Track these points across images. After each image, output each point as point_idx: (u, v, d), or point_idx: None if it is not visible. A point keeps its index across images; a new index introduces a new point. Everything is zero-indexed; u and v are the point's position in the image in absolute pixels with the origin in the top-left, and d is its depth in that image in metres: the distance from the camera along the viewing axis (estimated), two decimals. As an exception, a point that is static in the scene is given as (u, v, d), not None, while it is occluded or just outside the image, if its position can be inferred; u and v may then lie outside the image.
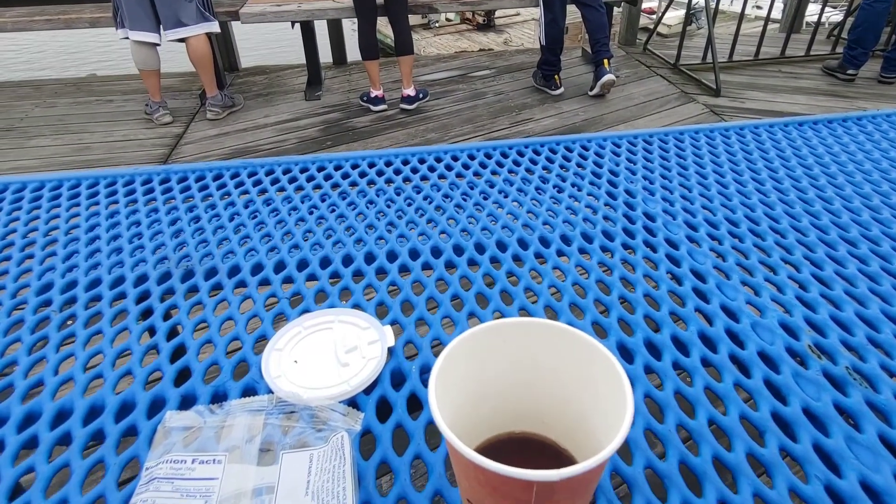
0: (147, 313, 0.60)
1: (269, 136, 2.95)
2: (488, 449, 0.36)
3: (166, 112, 3.03)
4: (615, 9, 3.71)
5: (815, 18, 4.02)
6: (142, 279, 0.64)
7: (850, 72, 3.42)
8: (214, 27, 2.94)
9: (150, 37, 2.79)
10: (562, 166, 0.88)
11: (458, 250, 0.69)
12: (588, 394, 0.34)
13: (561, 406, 0.36)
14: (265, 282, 0.64)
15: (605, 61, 3.13)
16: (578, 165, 0.88)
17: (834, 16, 4.81)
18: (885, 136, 0.94)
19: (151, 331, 0.57)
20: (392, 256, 0.68)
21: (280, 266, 0.66)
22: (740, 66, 3.71)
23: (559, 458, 0.36)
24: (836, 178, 0.83)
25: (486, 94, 3.40)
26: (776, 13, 4.07)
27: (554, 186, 0.83)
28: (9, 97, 3.38)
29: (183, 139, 2.91)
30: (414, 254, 0.69)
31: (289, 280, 0.64)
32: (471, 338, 0.34)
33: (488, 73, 3.75)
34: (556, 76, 3.30)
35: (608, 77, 3.12)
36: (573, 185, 0.83)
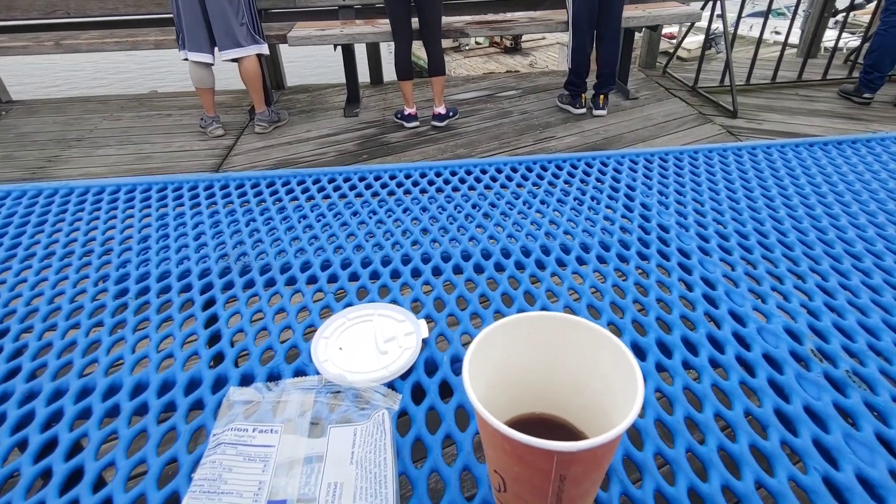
0: (210, 303, 0.64)
1: (310, 149, 3.03)
2: (512, 426, 0.39)
3: (219, 126, 3.15)
4: (636, 33, 3.71)
5: (832, 44, 3.94)
6: (205, 273, 0.69)
7: (865, 95, 3.35)
8: (264, 49, 3.04)
9: (206, 57, 2.91)
10: (582, 181, 0.90)
11: (486, 255, 0.72)
12: (602, 381, 0.36)
13: (578, 391, 0.38)
14: (313, 278, 0.68)
15: (602, 97, 3.27)
16: (598, 180, 0.90)
17: (851, 41, 4.71)
18: (893, 158, 0.93)
19: (214, 318, 0.62)
20: (426, 259, 0.71)
21: (326, 265, 0.70)
22: (757, 88, 3.66)
23: (574, 437, 0.38)
24: (843, 195, 0.83)
25: (512, 113, 3.43)
26: (794, 38, 4.00)
27: (574, 199, 0.85)
28: (80, 111, 3.55)
29: (233, 150, 3.01)
30: (446, 257, 0.71)
31: (334, 277, 0.68)
32: (500, 328, 0.37)
33: (514, 94, 3.78)
34: (582, 95, 3.32)
35: (599, 113, 3.30)
36: (592, 198, 0.85)
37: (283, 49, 3.67)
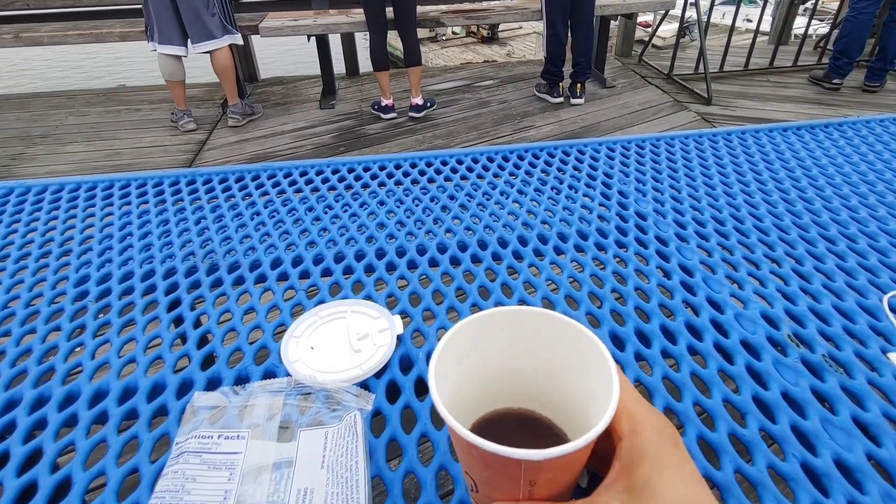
0: (175, 304, 0.61)
1: (286, 142, 2.98)
2: (487, 422, 0.37)
3: (190, 120, 3.07)
4: (612, 22, 3.71)
5: (802, 31, 4.00)
6: (170, 272, 0.66)
7: (835, 81, 3.41)
8: (237, 39, 2.97)
9: (178, 50, 2.82)
10: (559, 169, 0.89)
11: (463, 247, 0.70)
12: (578, 378, 0.35)
13: (554, 387, 0.37)
14: (284, 275, 0.65)
15: (579, 86, 3.27)
16: (575, 169, 0.89)
17: (820, 28, 4.78)
18: (864, 141, 0.94)
19: (179, 320, 0.59)
20: (401, 252, 0.69)
21: (297, 261, 0.68)
22: (731, 76, 3.70)
23: (551, 433, 0.37)
24: (816, 179, 0.83)
25: (490, 103, 3.41)
26: (765, 26, 4.05)
27: (552, 188, 0.83)
28: (45, 106, 3.42)
29: (206, 145, 2.94)
30: (421, 250, 0.70)
31: (305, 274, 0.66)
32: (470, 325, 0.35)
33: (492, 84, 3.76)
34: (559, 84, 3.32)
35: (577, 102, 3.31)
36: (570, 186, 0.84)
37: (256, 41, 3.58)
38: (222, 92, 3.13)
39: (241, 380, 0.51)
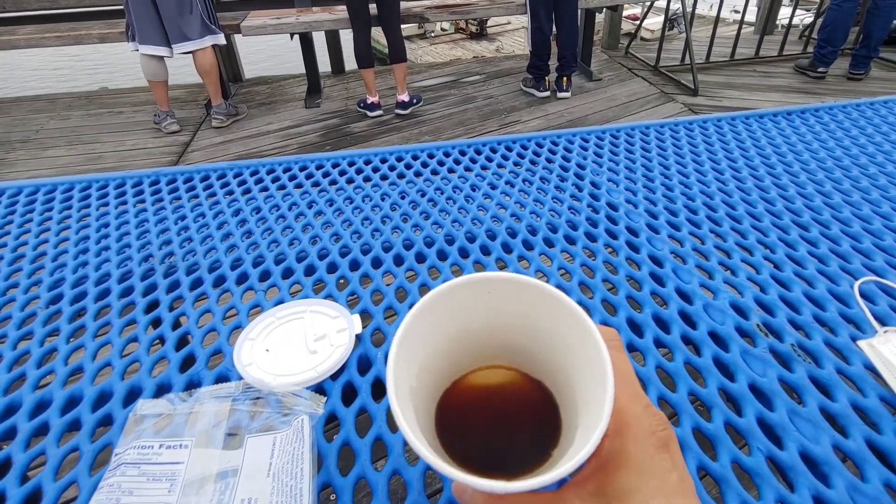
0: (130, 307, 0.59)
1: (271, 142, 2.94)
2: (464, 384, 0.35)
3: (174, 121, 3.02)
4: (597, 14, 3.69)
5: (787, 20, 4.00)
6: (126, 276, 0.64)
7: (820, 70, 3.41)
8: (220, 39, 2.92)
9: (160, 50, 2.77)
10: (532, 161, 0.87)
11: (429, 243, 0.68)
12: (561, 347, 0.32)
13: (534, 348, 0.34)
14: (244, 276, 0.63)
15: (565, 79, 3.26)
16: (548, 160, 0.87)
17: (805, 18, 4.79)
18: (839, 126, 0.93)
19: (133, 324, 0.57)
20: (366, 250, 0.67)
21: (259, 261, 0.66)
22: (717, 66, 3.69)
23: (528, 385, 0.34)
24: (791, 166, 0.82)
25: (477, 99, 3.39)
26: (750, 16, 4.05)
27: (524, 180, 0.82)
28: (25, 111, 3.37)
29: (190, 147, 2.90)
30: (387, 247, 0.68)
31: (266, 274, 0.63)
32: (441, 294, 0.32)
33: (478, 79, 3.74)
34: (545, 78, 3.30)
35: (563, 95, 3.31)
36: (542, 178, 0.82)
37: (240, 40, 3.54)
38: (206, 92, 3.09)
39: (193, 385, 0.49)
